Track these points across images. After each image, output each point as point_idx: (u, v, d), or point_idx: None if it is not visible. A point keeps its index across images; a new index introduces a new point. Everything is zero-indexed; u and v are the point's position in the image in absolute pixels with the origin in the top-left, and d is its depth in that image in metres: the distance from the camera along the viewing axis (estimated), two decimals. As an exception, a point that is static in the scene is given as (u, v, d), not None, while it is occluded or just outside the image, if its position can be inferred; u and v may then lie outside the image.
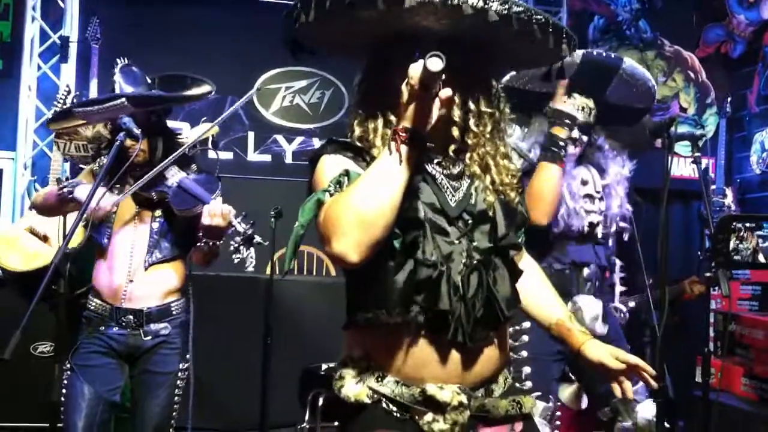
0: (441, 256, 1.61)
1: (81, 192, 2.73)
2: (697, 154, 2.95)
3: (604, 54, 3.04)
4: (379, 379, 1.65)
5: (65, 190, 2.77)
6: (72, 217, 2.80)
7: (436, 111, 1.52)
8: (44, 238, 3.14)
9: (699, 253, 4.91)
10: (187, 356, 2.86)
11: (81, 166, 3.82)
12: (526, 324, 2.92)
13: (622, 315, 3.28)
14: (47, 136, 5.62)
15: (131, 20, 5.83)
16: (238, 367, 4.38)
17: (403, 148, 1.50)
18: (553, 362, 2.99)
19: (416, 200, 1.62)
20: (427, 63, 1.41)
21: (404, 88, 1.50)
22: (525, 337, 2.87)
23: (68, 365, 2.74)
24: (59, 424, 2.59)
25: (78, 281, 3.09)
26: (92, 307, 2.82)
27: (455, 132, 1.67)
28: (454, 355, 1.63)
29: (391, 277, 1.59)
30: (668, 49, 6.65)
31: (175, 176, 2.78)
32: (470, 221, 1.67)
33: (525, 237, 1.87)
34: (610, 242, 3.16)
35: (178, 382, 2.83)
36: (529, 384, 2.91)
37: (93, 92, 5.49)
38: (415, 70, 1.46)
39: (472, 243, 1.66)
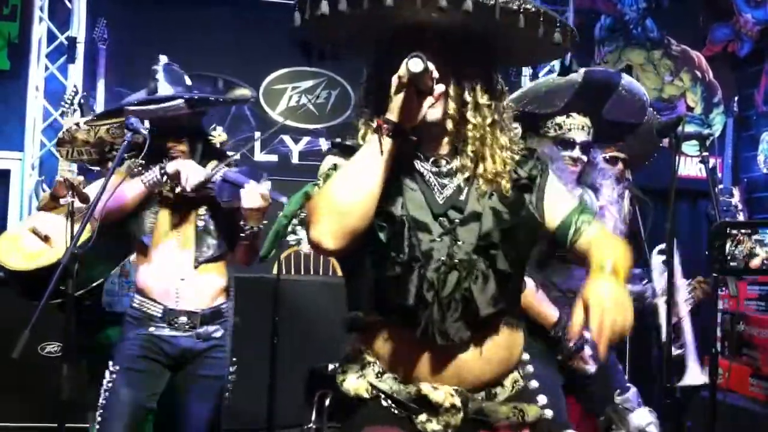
0: (420, 253, 1.59)
1: (172, 167, 2.71)
2: (704, 153, 2.93)
3: (605, 71, 3.00)
4: (379, 375, 1.65)
5: (157, 171, 2.72)
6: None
7: (426, 107, 1.54)
8: (45, 239, 3.14)
9: (707, 253, 4.89)
10: (234, 359, 2.84)
11: (92, 168, 3.78)
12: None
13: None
14: (55, 137, 5.63)
15: (138, 21, 5.84)
16: (243, 367, 4.36)
17: (385, 141, 1.53)
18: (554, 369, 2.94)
19: (400, 197, 1.62)
20: (408, 64, 1.45)
21: (394, 79, 1.52)
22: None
23: (114, 368, 2.69)
24: (67, 424, 2.57)
25: (83, 282, 3.07)
26: (137, 305, 2.77)
27: (449, 125, 1.66)
28: (446, 356, 1.61)
29: (368, 275, 1.60)
30: (675, 48, 6.63)
31: (218, 171, 2.75)
32: (456, 220, 1.64)
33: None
34: None
35: (228, 385, 2.81)
36: (535, 383, 2.87)
37: (100, 92, 5.51)
38: (404, 64, 1.49)
39: (456, 241, 1.62)
